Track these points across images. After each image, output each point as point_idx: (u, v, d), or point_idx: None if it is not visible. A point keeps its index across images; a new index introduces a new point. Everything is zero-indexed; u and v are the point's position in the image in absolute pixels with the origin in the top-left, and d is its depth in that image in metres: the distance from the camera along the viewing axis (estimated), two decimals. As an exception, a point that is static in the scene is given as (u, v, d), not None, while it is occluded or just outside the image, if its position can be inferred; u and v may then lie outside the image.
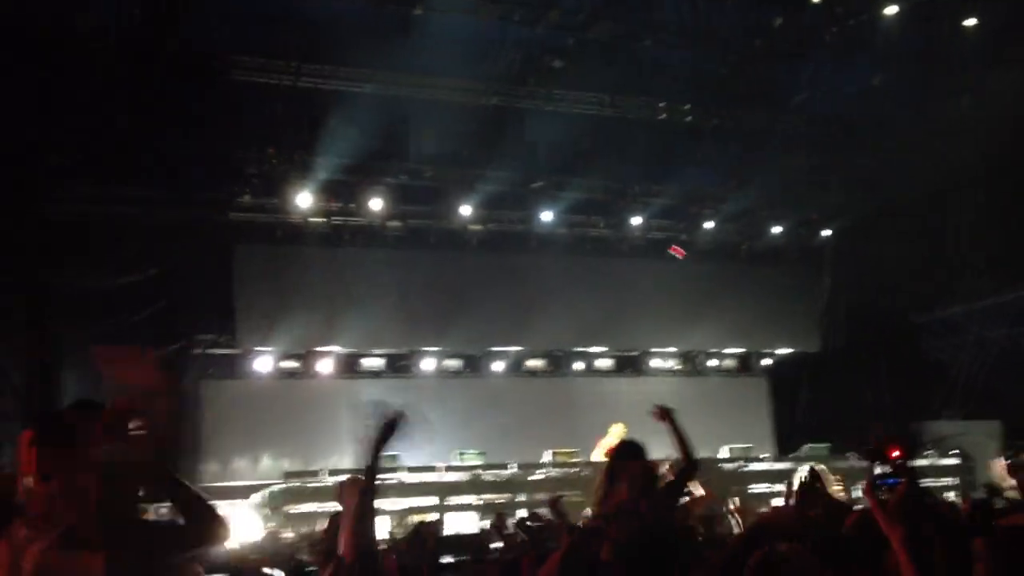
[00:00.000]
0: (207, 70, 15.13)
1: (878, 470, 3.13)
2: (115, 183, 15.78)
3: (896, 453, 3.20)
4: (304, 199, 17.03)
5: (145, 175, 15.90)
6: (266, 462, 17.43)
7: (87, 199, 15.67)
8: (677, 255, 20.00)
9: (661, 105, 18.40)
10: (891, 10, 17.14)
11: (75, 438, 3.29)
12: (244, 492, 15.94)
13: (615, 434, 15.97)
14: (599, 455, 16.19)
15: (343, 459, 16.58)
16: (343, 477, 5.75)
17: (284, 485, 15.01)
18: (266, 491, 15.07)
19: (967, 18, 17.31)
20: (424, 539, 8.34)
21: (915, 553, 2.67)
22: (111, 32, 13.46)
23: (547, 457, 16.38)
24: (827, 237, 21.15)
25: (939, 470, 17.96)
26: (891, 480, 3.05)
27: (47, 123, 14.07)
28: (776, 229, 20.68)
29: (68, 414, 3.52)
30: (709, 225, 20.16)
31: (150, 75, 14.29)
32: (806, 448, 17.67)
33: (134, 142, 15.07)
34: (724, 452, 17.41)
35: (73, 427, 3.35)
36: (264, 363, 17.98)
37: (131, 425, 3.38)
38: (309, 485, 14.78)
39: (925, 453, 18.24)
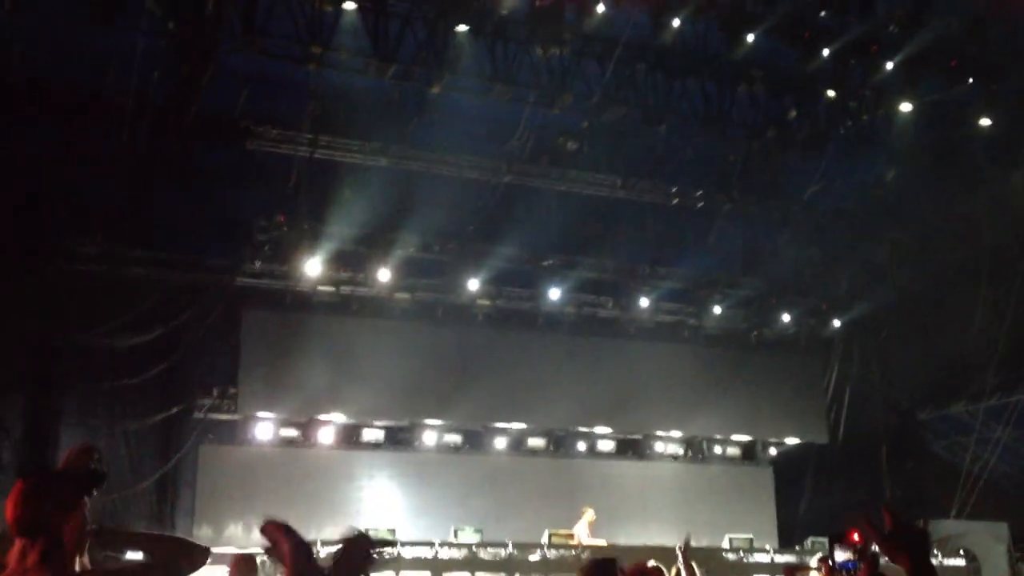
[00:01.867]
0: (224, 137, 15.35)
1: (839, 555, 3.07)
2: (126, 243, 15.93)
3: (856, 537, 3.14)
4: (313, 267, 17.05)
5: (157, 236, 16.06)
6: (261, 530, 17.20)
7: (98, 258, 15.80)
8: None
9: (673, 189, 18.54)
10: (905, 107, 17.31)
11: (69, 496, 3.29)
12: (238, 559, 15.76)
13: (586, 519, 16.04)
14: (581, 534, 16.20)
15: (338, 530, 16.42)
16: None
17: (277, 554, 14.75)
18: (259, 558, 14.85)
19: (981, 117, 17.45)
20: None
21: None
22: (132, 95, 13.64)
23: (545, 538, 16.15)
24: (836, 328, 21.04)
25: (944, 571, 17.61)
26: (851, 564, 2.98)
27: (62, 181, 14.25)
28: (785, 317, 20.58)
29: (59, 473, 3.53)
30: (718, 310, 20.08)
31: (168, 138, 14.50)
32: (808, 542, 17.41)
33: (147, 203, 15.24)
34: (725, 542, 17.15)
35: (69, 485, 3.35)
36: (264, 430, 17.85)
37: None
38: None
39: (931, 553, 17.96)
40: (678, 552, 7.87)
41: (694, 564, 7.74)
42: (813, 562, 9.53)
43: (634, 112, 16.57)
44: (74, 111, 13.43)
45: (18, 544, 3.19)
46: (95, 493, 3.45)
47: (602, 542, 16.41)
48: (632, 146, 17.52)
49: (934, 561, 17.44)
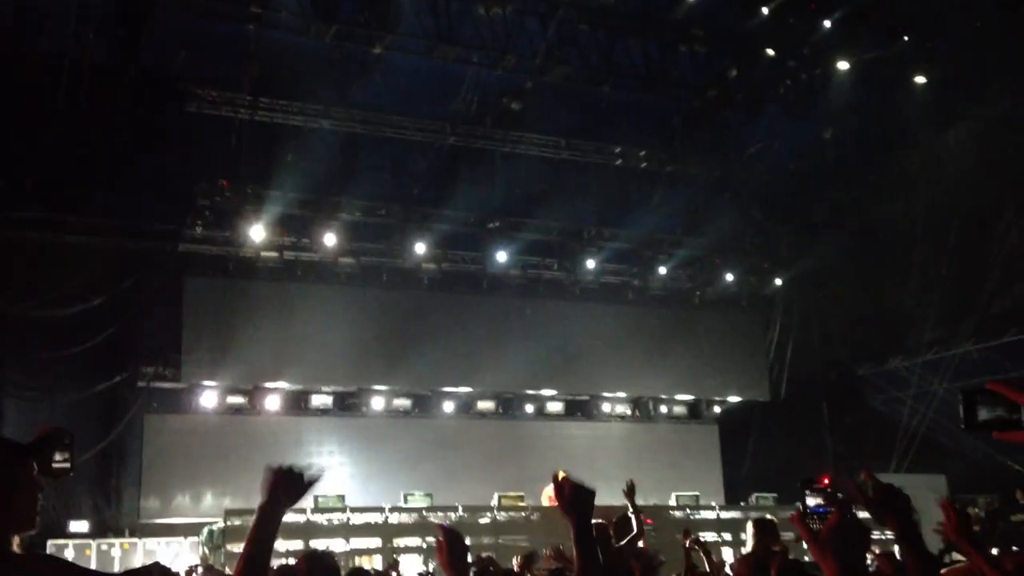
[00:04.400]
0: (164, 99, 15.07)
1: (810, 501, 3.08)
2: (65, 209, 15.59)
3: (826, 481, 3.16)
4: (257, 232, 16.86)
5: (96, 202, 15.74)
6: (208, 499, 17.09)
7: (36, 224, 15.45)
8: None
9: (617, 150, 18.58)
10: (843, 65, 17.50)
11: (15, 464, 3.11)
12: (184, 530, 15.65)
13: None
14: (545, 502, 16.19)
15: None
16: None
17: (225, 523, 14.68)
18: (206, 529, 14.78)
19: (917, 75, 17.70)
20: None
21: None
22: (68, 56, 13.33)
23: (495, 501, 16.21)
24: (778, 286, 21.33)
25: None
26: (822, 510, 2.99)
27: (-2, 145, 13.92)
28: (728, 277, 20.81)
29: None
30: (663, 270, 20.24)
31: (106, 101, 14.20)
32: (753, 498, 17.67)
33: (86, 168, 14.93)
34: (672, 499, 17.34)
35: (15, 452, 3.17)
36: (209, 398, 17.66)
37: (56, 457, 3.29)
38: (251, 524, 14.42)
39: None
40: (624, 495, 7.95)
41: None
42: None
43: (577, 72, 16.59)
44: (8, 72, 13.08)
45: None
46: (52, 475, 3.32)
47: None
48: (575, 107, 17.53)
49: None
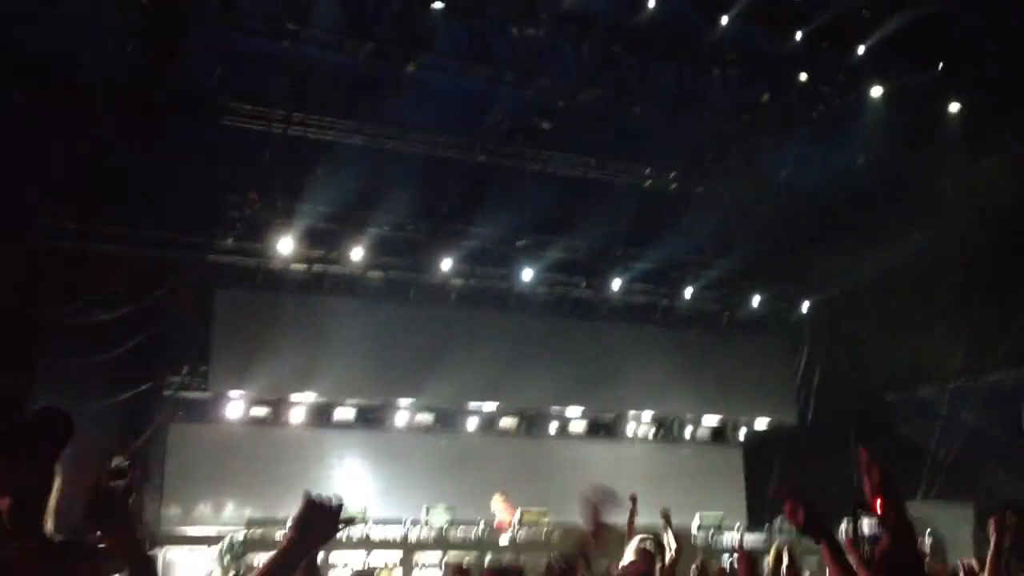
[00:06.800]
0: (199, 112, 15.23)
1: (867, 526, 2.99)
2: (98, 219, 15.74)
3: (879, 507, 3.06)
4: (286, 245, 16.93)
5: (129, 213, 15.88)
6: (230, 509, 17.13)
7: (69, 233, 15.60)
8: None
9: (647, 171, 18.59)
10: (876, 91, 17.43)
11: (32, 447, 3.16)
12: (206, 539, 15.71)
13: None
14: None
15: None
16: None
17: (247, 533, 14.75)
18: (227, 538, 14.83)
19: (951, 102, 17.59)
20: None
21: None
22: (104, 69, 13.50)
23: (516, 516, 16.22)
24: (806, 311, 21.22)
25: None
26: (874, 537, 2.90)
27: (35, 155, 14.06)
28: (756, 300, 20.73)
29: (27, 425, 3.34)
30: (690, 291, 20.20)
31: (141, 114, 14.36)
32: (778, 521, 17.54)
33: (120, 179, 15.07)
34: (696, 519, 17.28)
35: (31, 436, 3.21)
36: (235, 408, 17.74)
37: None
38: (273, 533, 14.53)
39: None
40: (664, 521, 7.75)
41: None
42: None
43: (609, 93, 16.63)
44: (46, 85, 13.26)
45: None
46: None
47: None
48: (607, 127, 17.55)
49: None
